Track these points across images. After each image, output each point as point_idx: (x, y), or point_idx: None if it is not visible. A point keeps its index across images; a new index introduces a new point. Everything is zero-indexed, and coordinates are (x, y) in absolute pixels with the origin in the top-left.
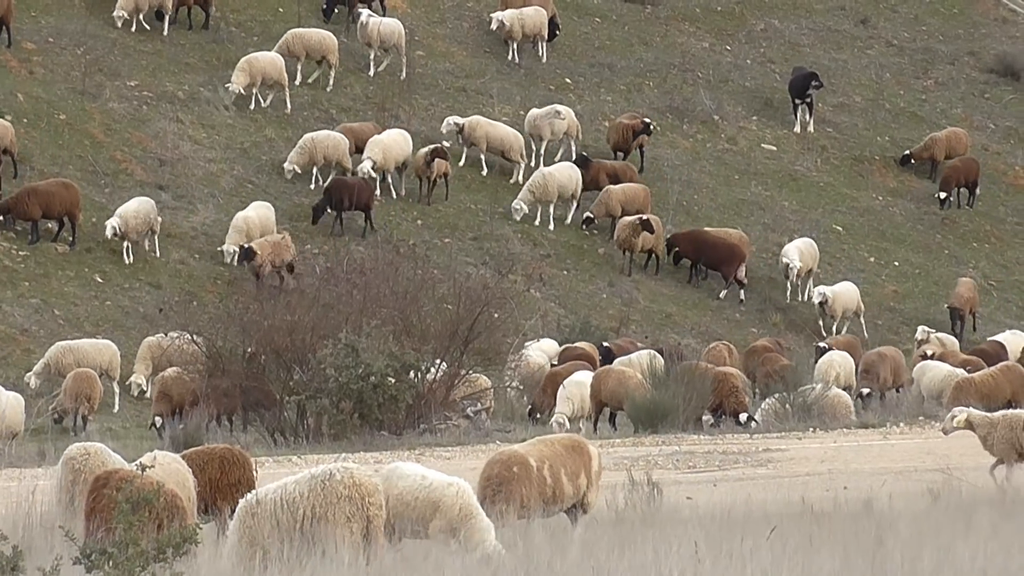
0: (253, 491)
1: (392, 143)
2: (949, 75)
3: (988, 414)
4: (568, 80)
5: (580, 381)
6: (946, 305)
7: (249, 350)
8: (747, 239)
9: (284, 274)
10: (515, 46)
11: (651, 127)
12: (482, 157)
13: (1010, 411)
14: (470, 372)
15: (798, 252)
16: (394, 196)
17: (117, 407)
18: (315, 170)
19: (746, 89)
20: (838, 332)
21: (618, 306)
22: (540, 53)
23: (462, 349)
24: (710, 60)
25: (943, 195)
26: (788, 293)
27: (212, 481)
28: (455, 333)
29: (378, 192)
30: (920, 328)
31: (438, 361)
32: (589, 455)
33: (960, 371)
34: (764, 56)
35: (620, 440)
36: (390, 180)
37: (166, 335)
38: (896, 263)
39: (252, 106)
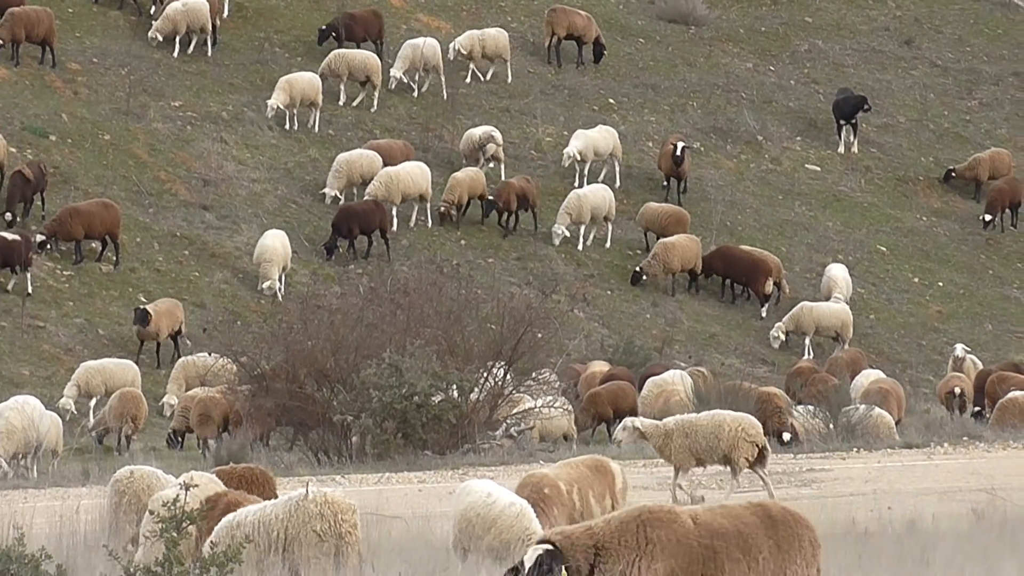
0: (233, 512)
1: (403, 175)
2: (993, 95)
3: (659, 422)
4: (612, 100)
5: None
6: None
7: (292, 370)
8: (777, 260)
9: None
10: (473, 67)
11: (681, 152)
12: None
13: (683, 417)
14: (514, 391)
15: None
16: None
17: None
18: (355, 190)
19: (790, 110)
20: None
21: (662, 326)
22: (507, 76)
23: (506, 369)
24: (754, 81)
25: (988, 217)
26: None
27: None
28: (499, 353)
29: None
30: (958, 346)
31: (482, 380)
32: (613, 474)
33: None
34: (808, 77)
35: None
36: (393, 211)
37: (210, 354)
38: (940, 283)
39: (294, 126)
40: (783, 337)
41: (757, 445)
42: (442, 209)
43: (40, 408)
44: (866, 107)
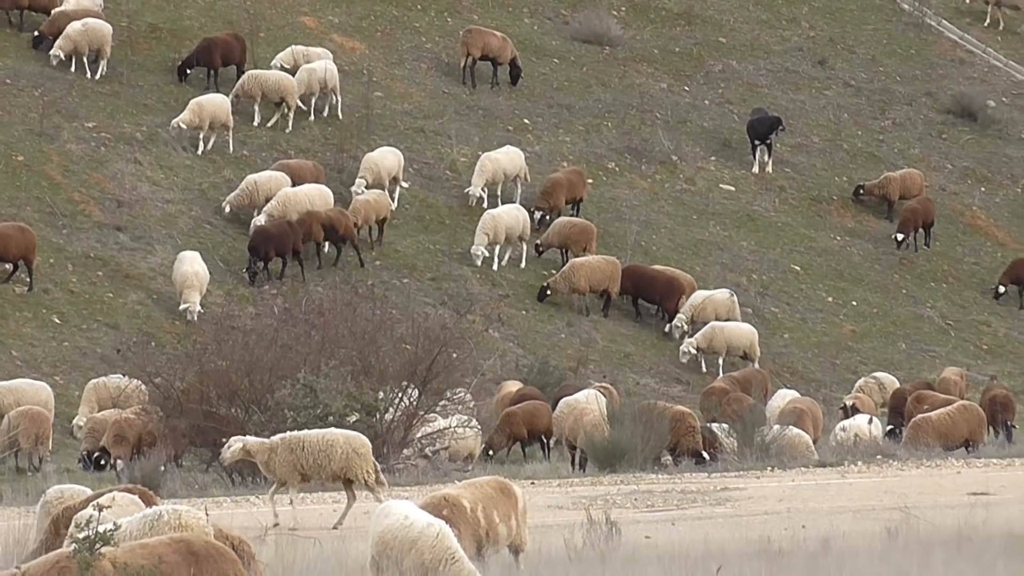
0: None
1: (301, 196)
2: (906, 115)
3: (264, 440)
4: (527, 121)
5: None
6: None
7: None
8: (690, 278)
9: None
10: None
11: None
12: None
13: (291, 433)
14: (428, 412)
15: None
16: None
17: (51, 446)
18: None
19: (704, 130)
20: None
21: (577, 346)
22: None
23: (421, 389)
24: (668, 101)
25: (901, 236)
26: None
27: None
28: (414, 373)
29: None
30: (861, 381)
31: (396, 401)
32: (516, 496)
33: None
34: (722, 97)
35: (579, 479)
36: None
37: (124, 376)
38: (854, 303)
39: (207, 148)
40: (693, 352)
41: (370, 462)
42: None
43: None
44: (781, 127)
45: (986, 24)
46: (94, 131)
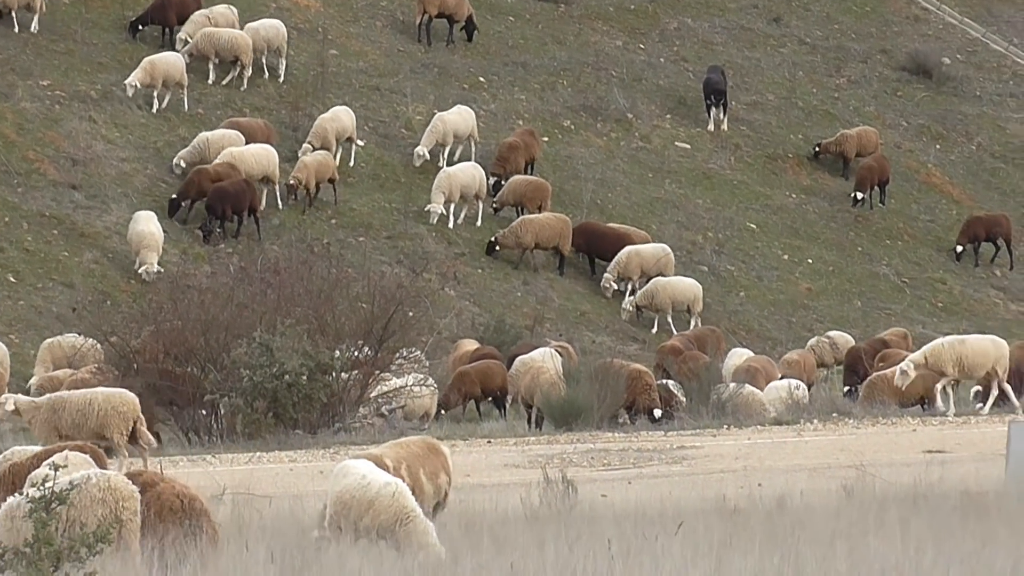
0: (19, 492)
1: (248, 155)
2: (862, 73)
3: (35, 399)
4: (482, 79)
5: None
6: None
7: (162, 350)
8: (645, 235)
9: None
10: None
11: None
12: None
13: (57, 393)
14: (383, 371)
15: None
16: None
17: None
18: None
19: (659, 88)
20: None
21: (533, 304)
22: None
23: (377, 348)
24: (624, 59)
25: (859, 195)
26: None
27: None
28: (370, 332)
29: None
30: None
31: (352, 359)
32: (444, 454)
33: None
34: (677, 55)
35: (535, 438)
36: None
37: (80, 335)
38: (810, 260)
39: (162, 106)
40: (631, 310)
41: (131, 421)
42: (291, 182)
43: None
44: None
45: None
46: (48, 89)
